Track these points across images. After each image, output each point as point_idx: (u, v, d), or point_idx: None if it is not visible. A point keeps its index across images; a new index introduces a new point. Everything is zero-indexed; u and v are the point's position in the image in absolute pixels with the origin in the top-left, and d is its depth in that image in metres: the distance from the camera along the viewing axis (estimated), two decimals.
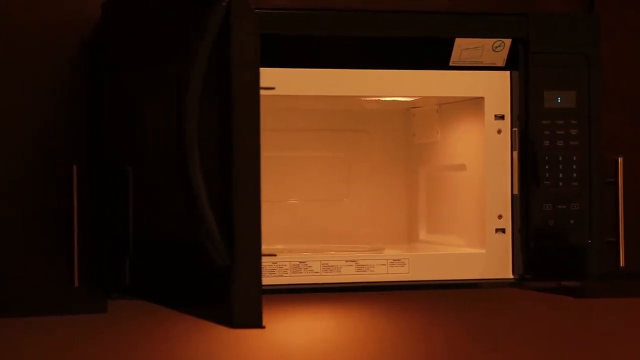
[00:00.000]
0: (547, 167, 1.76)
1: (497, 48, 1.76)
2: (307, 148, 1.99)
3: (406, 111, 2.02)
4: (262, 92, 1.24)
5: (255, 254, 1.22)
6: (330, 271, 1.72)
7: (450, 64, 1.75)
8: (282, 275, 1.69)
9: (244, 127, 1.21)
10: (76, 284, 1.66)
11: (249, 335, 1.99)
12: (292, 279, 1.70)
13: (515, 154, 1.77)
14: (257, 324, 1.22)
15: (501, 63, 1.77)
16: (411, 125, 2.01)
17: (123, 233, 1.59)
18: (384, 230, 2.00)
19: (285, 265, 1.70)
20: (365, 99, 1.84)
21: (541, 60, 1.76)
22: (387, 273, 1.73)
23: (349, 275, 1.72)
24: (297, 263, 1.70)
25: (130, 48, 1.56)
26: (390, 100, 1.87)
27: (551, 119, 1.77)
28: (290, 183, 1.97)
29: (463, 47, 1.75)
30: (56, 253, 1.67)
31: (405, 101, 1.91)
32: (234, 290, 1.21)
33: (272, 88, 1.23)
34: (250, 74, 1.21)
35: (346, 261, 1.72)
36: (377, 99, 1.83)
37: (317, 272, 1.71)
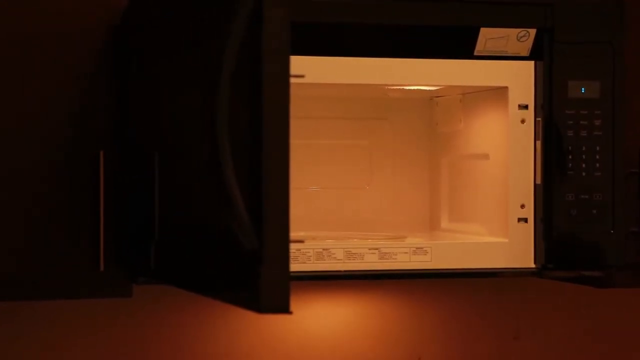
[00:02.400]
0: (570, 157, 1.76)
1: (521, 38, 1.76)
2: (330, 136, 1.99)
3: (429, 100, 2.02)
4: (291, 79, 1.24)
5: (283, 238, 1.23)
6: (354, 259, 1.73)
7: (475, 53, 1.76)
8: (305, 262, 1.70)
9: (274, 113, 1.22)
10: (102, 268, 1.68)
11: (274, 320, 2.00)
12: (315, 266, 1.71)
13: (539, 143, 1.77)
14: (285, 309, 1.23)
15: (525, 53, 1.77)
16: (434, 114, 2.01)
17: (149, 218, 1.60)
18: (406, 219, 2.00)
19: (309, 252, 1.71)
20: (389, 87, 1.84)
21: (565, 50, 1.76)
22: (410, 261, 1.74)
23: (371, 262, 1.73)
24: (321, 250, 1.71)
25: (157, 34, 1.57)
26: (413, 89, 1.87)
27: (575, 109, 1.77)
28: (313, 171, 1.98)
29: (488, 37, 1.75)
30: (82, 237, 1.68)
31: (429, 90, 1.91)
32: (262, 274, 1.21)
33: (302, 76, 1.24)
34: (281, 61, 1.22)
35: (369, 249, 1.73)
36: (401, 87, 1.84)
37: (340, 260, 1.72)
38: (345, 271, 1.72)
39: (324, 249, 1.71)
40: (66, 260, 1.68)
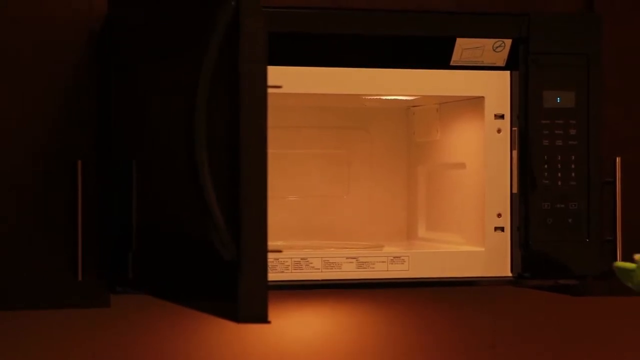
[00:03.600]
0: (546, 166, 1.78)
1: (497, 48, 1.78)
2: (308, 145, 2.00)
3: (406, 110, 2.03)
4: (268, 90, 1.25)
5: (261, 248, 1.23)
6: (331, 268, 1.73)
7: (451, 63, 1.77)
8: (283, 272, 1.70)
9: (251, 123, 1.22)
10: (80, 278, 1.67)
11: (253, 330, 2.00)
12: (293, 275, 1.71)
13: (515, 153, 1.79)
14: (263, 318, 1.23)
15: (501, 63, 1.79)
16: (411, 123, 2.02)
17: (126, 227, 1.61)
18: (384, 228, 2.01)
19: (287, 261, 1.71)
20: (366, 97, 1.85)
21: (541, 60, 1.78)
22: (387, 270, 1.75)
23: (349, 272, 1.74)
24: (299, 259, 1.72)
25: (138, 43, 1.57)
26: (391, 99, 1.88)
27: (550, 119, 1.78)
28: (291, 180, 1.98)
29: (464, 47, 1.76)
30: (60, 247, 1.68)
31: (406, 100, 1.92)
32: (240, 284, 1.22)
33: (280, 86, 1.25)
34: (258, 72, 1.22)
35: (347, 258, 1.74)
36: (378, 97, 1.85)
37: (318, 269, 1.72)
38: (323, 280, 1.73)
39: (301, 259, 1.72)
40: (44, 270, 1.67)
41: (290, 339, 2.05)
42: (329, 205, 2.01)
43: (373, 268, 1.74)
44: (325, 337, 2.07)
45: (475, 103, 1.81)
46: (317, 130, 2.00)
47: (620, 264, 1.62)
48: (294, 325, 2.05)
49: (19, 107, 1.67)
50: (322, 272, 1.72)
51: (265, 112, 1.24)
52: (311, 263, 1.72)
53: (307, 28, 1.70)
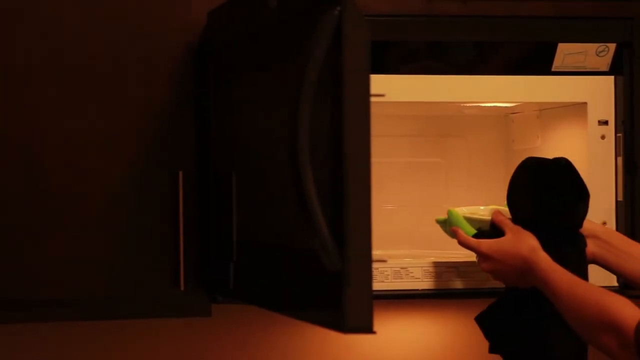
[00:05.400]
0: None
1: (601, 53, 1.74)
2: (406, 154, 1.99)
3: (505, 117, 2.00)
4: (371, 98, 1.24)
5: (366, 258, 1.22)
6: (431, 277, 1.72)
7: (553, 69, 1.74)
8: (383, 281, 1.70)
9: (355, 133, 1.22)
10: (182, 288, 1.69)
11: (350, 339, 1.99)
12: (393, 285, 1.70)
13: (620, 160, 1.75)
14: (369, 329, 1.22)
15: (605, 68, 1.75)
16: (510, 130, 2.00)
17: (227, 237, 1.61)
18: None
19: (387, 271, 1.70)
20: (465, 105, 1.83)
21: None
22: (489, 279, 1.72)
23: (449, 281, 1.72)
24: (399, 269, 1.71)
25: (238, 54, 1.58)
26: (489, 106, 1.86)
27: None
28: (388, 189, 1.97)
29: (566, 52, 1.73)
30: (163, 257, 1.69)
31: (505, 107, 1.90)
32: (345, 295, 1.21)
33: (382, 95, 1.24)
34: (361, 81, 1.22)
35: (447, 267, 1.72)
36: (477, 104, 1.83)
37: (418, 278, 1.71)
38: (423, 290, 1.72)
39: (401, 268, 1.71)
40: (147, 280, 1.69)
41: (388, 348, 2.04)
42: (427, 214, 1.99)
43: (473, 277, 1.72)
44: (423, 347, 2.05)
45: (577, 109, 1.78)
46: (415, 139, 1.99)
47: (439, 218, 1.71)
48: (395, 334, 2.04)
49: (120, 119, 1.69)
50: (422, 281, 1.71)
51: (369, 121, 1.23)
52: (411, 272, 1.71)
53: (408, 36, 1.69)
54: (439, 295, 1.73)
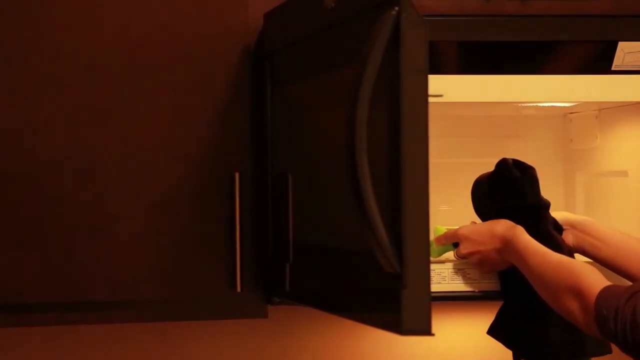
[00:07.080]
0: None
1: None
2: (463, 155, 1.97)
3: (563, 116, 1.98)
4: (429, 99, 1.23)
5: (424, 260, 1.22)
6: (488, 278, 1.70)
7: (613, 68, 1.71)
8: (440, 283, 1.69)
9: (413, 134, 1.21)
10: (239, 289, 1.69)
11: (406, 340, 1.98)
12: (450, 286, 1.69)
13: None
14: (427, 331, 1.22)
15: None
16: (568, 130, 1.97)
17: (283, 239, 1.61)
18: None
19: (444, 272, 1.69)
20: (523, 105, 1.81)
21: None
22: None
23: None
24: (455, 270, 1.70)
25: (294, 56, 1.58)
26: (547, 106, 1.84)
27: None
28: (443, 190, 1.96)
29: (626, 51, 1.71)
30: (220, 259, 1.70)
31: (563, 106, 1.87)
32: (403, 297, 1.20)
33: (440, 95, 1.23)
34: (419, 81, 1.21)
35: None
36: (535, 104, 1.81)
37: (475, 280, 1.70)
38: (480, 291, 1.70)
39: (458, 269, 1.70)
40: (204, 281, 1.70)
41: (445, 351, 2.02)
42: None
43: None
44: (481, 348, 2.03)
45: (637, 108, 1.75)
46: (472, 140, 1.97)
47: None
48: (450, 335, 2.02)
49: (178, 121, 1.70)
50: (479, 282, 1.70)
51: (427, 122, 1.22)
52: (468, 274, 1.70)
53: (466, 36, 1.67)
54: (497, 296, 1.71)
